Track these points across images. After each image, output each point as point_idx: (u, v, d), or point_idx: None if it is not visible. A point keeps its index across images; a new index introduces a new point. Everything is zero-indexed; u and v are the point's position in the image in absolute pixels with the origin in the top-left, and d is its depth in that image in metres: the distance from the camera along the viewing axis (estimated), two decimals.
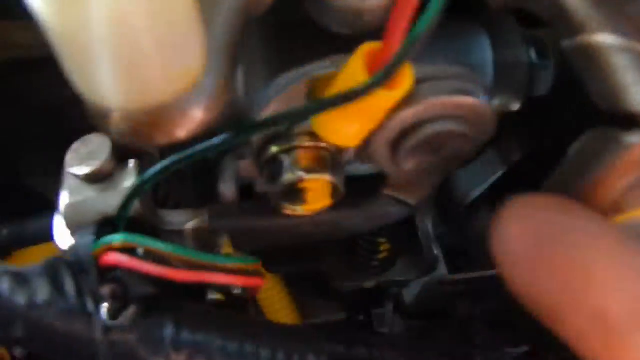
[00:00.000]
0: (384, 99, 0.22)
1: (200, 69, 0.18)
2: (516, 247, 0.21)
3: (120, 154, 0.31)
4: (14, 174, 0.52)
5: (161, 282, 0.23)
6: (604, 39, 0.21)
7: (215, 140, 0.22)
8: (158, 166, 0.23)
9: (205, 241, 0.32)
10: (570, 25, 0.22)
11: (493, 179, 0.39)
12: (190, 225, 0.31)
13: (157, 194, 0.34)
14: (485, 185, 0.41)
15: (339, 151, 0.28)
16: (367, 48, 0.21)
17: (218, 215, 0.31)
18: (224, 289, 0.30)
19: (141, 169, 0.26)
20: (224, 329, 0.25)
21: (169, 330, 0.23)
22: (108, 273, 0.23)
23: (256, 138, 0.27)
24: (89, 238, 0.24)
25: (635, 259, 0.20)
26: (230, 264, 0.24)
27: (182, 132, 0.18)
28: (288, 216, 0.31)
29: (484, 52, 0.32)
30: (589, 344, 0.21)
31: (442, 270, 0.64)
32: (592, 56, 0.21)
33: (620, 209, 0.24)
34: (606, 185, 0.22)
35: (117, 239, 0.23)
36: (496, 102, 0.34)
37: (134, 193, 0.24)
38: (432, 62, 0.32)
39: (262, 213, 0.31)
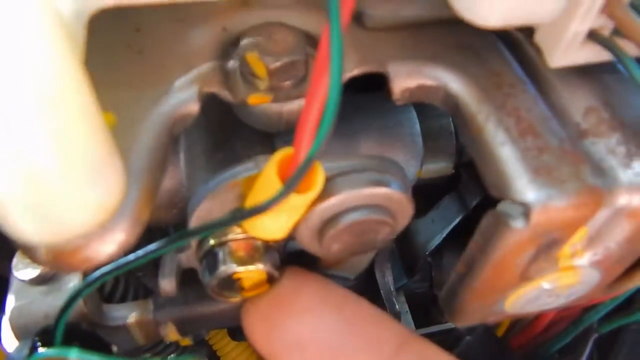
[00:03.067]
0: (300, 201, 0.23)
1: (120, 198, 0.19)
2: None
3: None
4: None
5: None
6: (489, 131, 0.23)
7: (150, 247, 0.23)
8: (97, 273, 0.24)
9: (151, 332, 0.33)
10: (463, 118, 0.25)
11: (452, 225, 0.41)
12: (133, 318, 0.31)
13: (103, 290, 0.35)
14: (445, 232, 0.43)
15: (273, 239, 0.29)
16: (279, 155, 0.23)
17: (162, 306, 0.32)
18: None
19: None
20: None
21: None
22: None
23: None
24: (22, 354, 0.24)
25: (334, 303, 0.28)
26: None
27: (103, 256, 0.19)
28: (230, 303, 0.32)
29: (412, 124, 0.35)
30: None
31: (408, 319, 0.65)
32: (480, 148, 0.23)
33: (528, 278, 0.27)
34: (507, 262, 0.24)
35: (49, 354, 0.24)
36: (430, 167, 0.37)
37: (72, 300, 0.25)
38: (364, 140, 0.34)
39: (204, 299, 0.33)
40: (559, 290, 0.27)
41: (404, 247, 0.61)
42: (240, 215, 0.22)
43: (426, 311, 0.62)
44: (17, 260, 0.31)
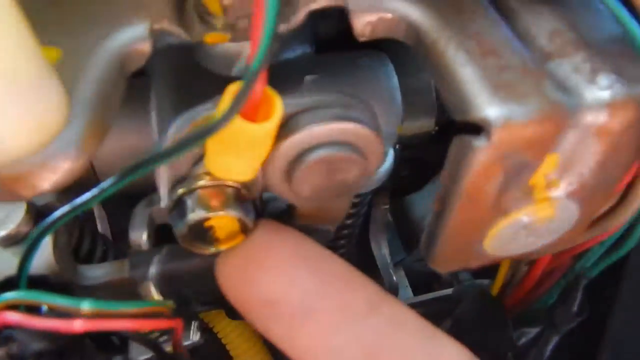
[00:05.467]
0: (258, 132, 0.23)
1: (60, 121, 0.19)
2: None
3: (38, 215, 0.31)
4: None
5: (67, 338, 0.24)
6: (449, 55, 0.22)
7: (104, 184, 0.23)
8: (52, 216, 0.24)
9: (129, 292, 0.32)
10: (424, 47, 0.24)
11: None
12: (109, 277, 0.31)
13: (80, 250, 0.35)
14: None
15: (244, 187, 0.29)
16: (233, 87, 0.22)
17: (138, 264, 0.32)
18: (151, 344, 0.31)
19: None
20: None
21: None
22: (1, 332, 0.23)
23: (164, 183, 0.28)
24: None
25: (308, 261, 0.27)
26: (135, 309, 0.25)
27: (46, 183, 0.19)
28: (207, 257, 0.31)
29: (390, 80, 0.34)
30: (270, 331, 0.27)
31: (408, 294, 0.65)
32: (442, 73, 0.23)
33: (503, 210, 0.26)
34: (477, 190, 0.24)
35: (7, 297, 0.23)
36: (410, 124, 0.36)
37: (30, 248, 0.24)
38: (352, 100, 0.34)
39: (181, 256, 0.32)
40: (537, 225, 0.27)
41: (401, 222, 0.60)
42: (184, 142, 0.21)
43: (429, 289, 0.61)
44: None
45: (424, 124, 0.37)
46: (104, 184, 0.22)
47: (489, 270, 0.47)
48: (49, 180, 0.19)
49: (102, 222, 0.42)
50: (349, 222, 0.45)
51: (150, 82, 0.32)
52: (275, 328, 0.27)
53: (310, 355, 0.26)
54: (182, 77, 0.31)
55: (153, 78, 0.32)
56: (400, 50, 0.35)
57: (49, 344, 0.23)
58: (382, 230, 0.55)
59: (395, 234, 0.62)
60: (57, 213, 0.23)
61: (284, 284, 0.27)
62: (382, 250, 0.56)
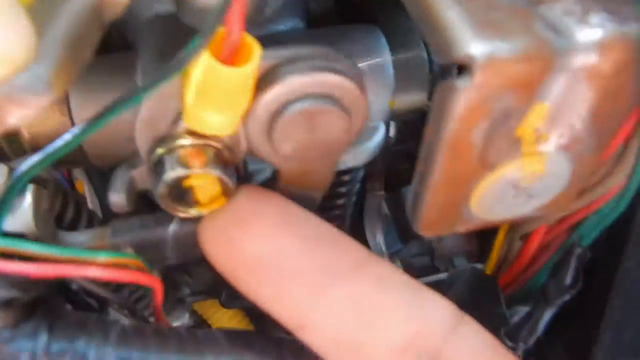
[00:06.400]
0: (234, 76, 0.22)
1: (27, 57, 0.18)
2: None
3: None
4: None
5: (39, 288, 0.23)
6: None
7: (77, 128, 0.22)
8: (26, 164, 0.23)
9: None
10: None
11: None
12: (90, 243, 0.30)
13: (64, 218, 0.34)
14: None
15: (226, 148, 0.28)
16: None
17: (119, 231, 0.31)
18: (129, 308, 0.30)
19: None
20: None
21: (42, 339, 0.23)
22: None
23: (143, 144, 0.28)
24: None
25: (292, 223, 0.27)
26: (103, 258, 0.24)
27: (13, 117, 0.19)
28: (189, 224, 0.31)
29: (381, 52, 0.34)
30: (257, 294, 0.27)
31: None
32: (427, 17, 0.22)
33: (489, 166, 0.25)
34: (461, 140, 0.23)
35: None
36: (403, 98, 0.35)
37: (3, 200, 0.24)
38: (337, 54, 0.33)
39: (163, 222, 0.31)
40: (525, 182, 0.26)
41: (397, 213, 0.59)
42: (152, 81, 0.20)
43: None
44: None
45: (417, 99, 0.36)
46: (77, 128, 0.22)
47: (485, 253, 0.46)
48: (16, 113, 0.18)
49: (92, 198, 0.42)
50: (340, 202, 0.44)
51: (137, 54, 0.31)
52: (261, 291, 0.27)
53: (297, 316, 0.26)
54: (167, 41, 0.31)
55: (140, 49, 0.31)
56: (394, 25, 0.35)
57: (20, 292, 0.22)
58: (377, 218, 0.54)
59: (392, 226, 0.61)
60: (30, 161, 0.22)
61: (270, 247, 0.26)
62: (377, 238, 0.56)
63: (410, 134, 0.43)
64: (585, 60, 0.21)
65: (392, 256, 0.65)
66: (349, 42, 0.34)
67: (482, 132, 0.23)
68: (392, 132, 0.43)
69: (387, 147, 0.38)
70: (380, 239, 0.55)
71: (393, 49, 0.34)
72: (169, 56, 0.30)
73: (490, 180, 0.25)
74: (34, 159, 0.23)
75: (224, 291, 0.49)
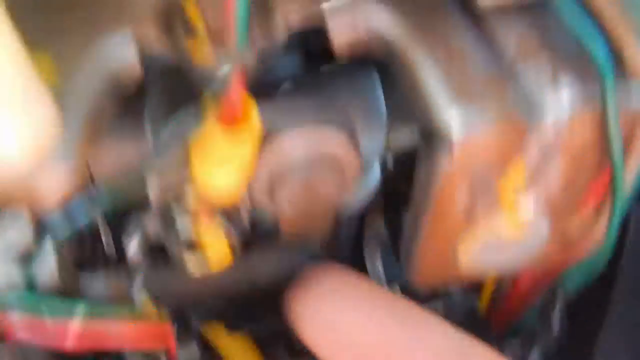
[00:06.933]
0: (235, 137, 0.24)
1: (54, 134, 0.20)
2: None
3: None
4: None
5: None
6: (416, 62, 0.24)
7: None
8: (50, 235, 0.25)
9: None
10: (396, 57, 0.25)
11: None
12: (109, 288, 0.32)
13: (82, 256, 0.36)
14: None
15: (233, 210, 0.30)
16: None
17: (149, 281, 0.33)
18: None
19: None
20: None
21: None
22: None
23: (157, 198, 0.30)
24: None
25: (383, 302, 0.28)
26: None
27: (51, 197, 0.21)
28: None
29: (374, 91, 0.35)
30: None
31: None
32: (410, 78, 0.24)
33: (474, 218, 0.27)
34: (446, 200, 0.25)
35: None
36: (397, 135, 0.37)
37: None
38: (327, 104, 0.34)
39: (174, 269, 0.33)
40: (508, 240, 0.28)
41: (397, 238, 0.60)
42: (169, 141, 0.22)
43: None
44: None
45: (409, 139, 0.38)
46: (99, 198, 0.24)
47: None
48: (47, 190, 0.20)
49: (107, 238, 0.43)
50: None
51: (146, 97, 0.33)
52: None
53: None
54: (175, 89, 0.33)
55: (149, 93, 0.33)
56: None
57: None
58: (377, 247, 0.55)
59: (390, 250, 0.62)
60: (59, 230, 0.25)
61: (363, 325, 0.27)
62: (376, 267, 0.56)
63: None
64: (555, 129, 0.23)
65: (391, 282, 0.66)
66: (339, 80, 0.35)
67: (465, 192, 0.25)
68: (390, 162, 0.44)
69: (385, 179, 0.39)
70: (379, 268, 0.56)
71: (389, 89, 0.35)
72: (175, 104, 0.32)
73: (474, 236, 0.27)
74: (62, 228, 0.25)
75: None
